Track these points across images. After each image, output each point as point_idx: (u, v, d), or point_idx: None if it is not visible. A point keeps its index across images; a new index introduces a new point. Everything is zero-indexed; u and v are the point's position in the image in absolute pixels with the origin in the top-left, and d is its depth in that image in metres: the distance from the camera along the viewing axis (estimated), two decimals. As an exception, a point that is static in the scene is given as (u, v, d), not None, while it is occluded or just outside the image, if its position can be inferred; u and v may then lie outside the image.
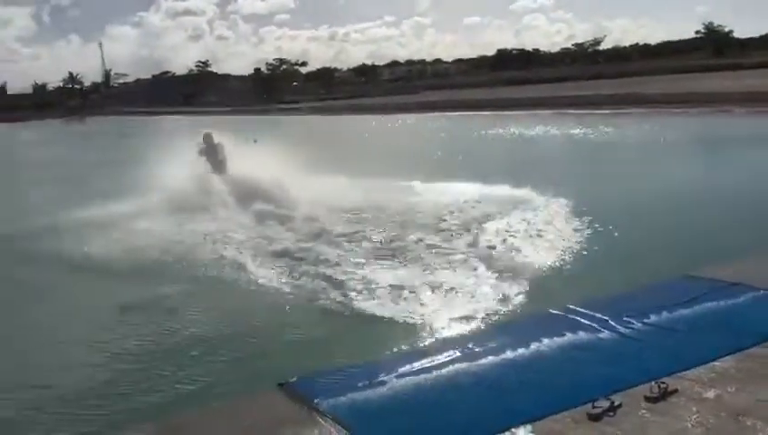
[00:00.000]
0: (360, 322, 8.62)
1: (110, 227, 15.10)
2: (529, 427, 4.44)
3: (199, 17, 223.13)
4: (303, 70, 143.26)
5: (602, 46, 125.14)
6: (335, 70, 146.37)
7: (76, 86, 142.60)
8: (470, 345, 5.87)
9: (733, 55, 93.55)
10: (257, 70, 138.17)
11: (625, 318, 6.07)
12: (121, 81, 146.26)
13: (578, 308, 6.44)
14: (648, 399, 4.59)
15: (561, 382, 5.06)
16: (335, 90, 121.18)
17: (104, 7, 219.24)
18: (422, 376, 5.32)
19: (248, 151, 20.94)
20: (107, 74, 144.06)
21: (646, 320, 6.03)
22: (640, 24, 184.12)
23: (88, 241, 13.82)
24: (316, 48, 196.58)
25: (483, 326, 7.84)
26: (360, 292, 9.58)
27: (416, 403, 4.93)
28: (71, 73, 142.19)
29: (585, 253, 11.12)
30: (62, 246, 13.51)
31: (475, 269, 10.46)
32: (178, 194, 17.17)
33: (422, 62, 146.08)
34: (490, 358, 5.55)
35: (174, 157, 19.74)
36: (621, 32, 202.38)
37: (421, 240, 12.42)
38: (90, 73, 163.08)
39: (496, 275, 10.04)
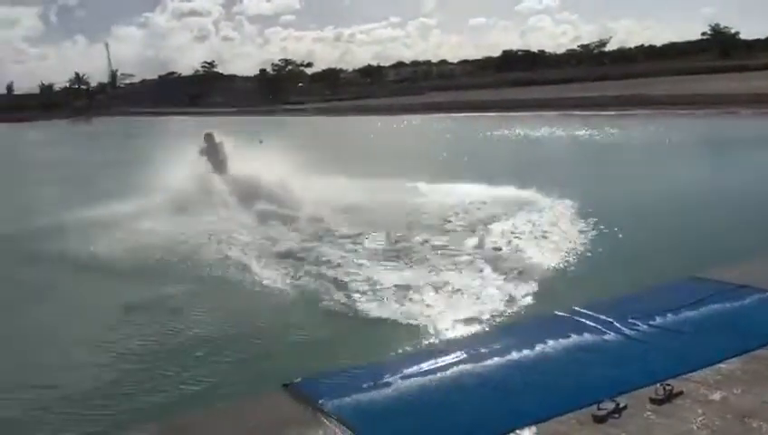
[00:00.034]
0: (365, 323, 8.61)
1: (112, 227, 15.12)
2: (534, 428, 4.43)
3: (205, 18, 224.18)
4: (309, 71, 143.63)
5: (608, 48, 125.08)
6: (340, 71, 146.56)
7: (82, 86, 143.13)
8: (475, 346, 5.86)
9: (739, 57, 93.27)
10: (263, 71, 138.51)
11: (630, 320, 6.05)
12: (127, 81, 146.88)
13: (583, 310, 6.43)
14: (653, 401, 4.57)
15: (566, 384, 5.05)
16: (340, 91, 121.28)
17: (110, 8, 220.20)
18: (427, 377, 5.32)
19: (253, 152, 20.99)
20: (113, 75, 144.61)
21: (651, 322, 6.01)
22: (646, 26, 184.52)
23: (91, 240, 13.85)
24: (321, 49, 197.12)
25: (488, 328, 7.83)
26: (364, 293, 9.57)
27: (420, 404, 4.92)
28: (77, 74, 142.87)
29: (591, 254, 11.09)
30: (66, 246, 13.53)
31: (481, 270, 10.44)
32: (179, 194, 17.23)
33: (427, 63, 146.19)
34: (495, 359, 5.54)
35: (177, 157, 19.80)
36: (626, 33, 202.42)
37: (427, 241, 12.41)
38: (96, 74, 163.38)
39: (502, 276, 10.03)
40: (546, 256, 10.93)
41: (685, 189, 17.46)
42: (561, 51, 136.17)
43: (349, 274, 10.60)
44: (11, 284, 11.95)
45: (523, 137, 37.96)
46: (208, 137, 19.58)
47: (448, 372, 5.38)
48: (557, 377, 5.19)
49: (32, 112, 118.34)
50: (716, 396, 4.61)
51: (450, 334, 7.75)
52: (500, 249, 11.56)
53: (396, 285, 9.79)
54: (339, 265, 11.18)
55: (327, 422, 4.69)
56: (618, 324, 5.99)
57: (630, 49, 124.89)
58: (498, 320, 8.24)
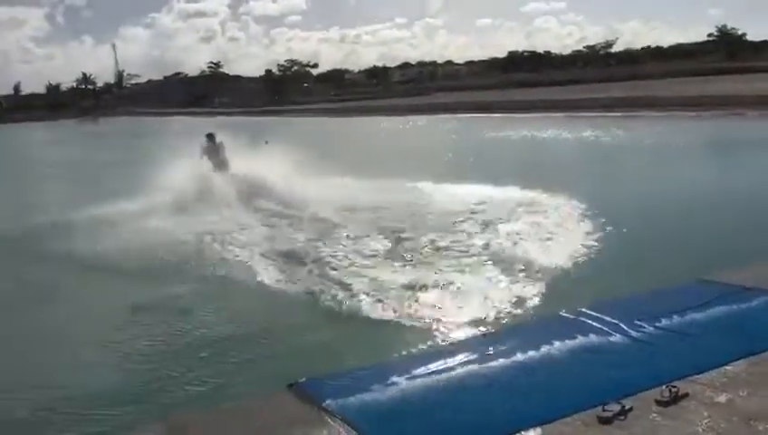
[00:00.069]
0: (370, 323, 8.61)
1: (117, 226, 15.20)
2: (539, 430, 4.42)
3: (211, 18, 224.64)
4: (314, 71, 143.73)
5: (614, 49, 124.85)
6: (346, 71, 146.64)
7: (89, 87, 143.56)
8: (480, 348, 5.84)
9: (746, 58, 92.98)
10: (268, 71, 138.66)
11: (636, 322, 6.03)
12: (134, 81, 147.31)
13: (589, 311, 6.41)
14: (659, 403, 4.56)
15: (571, 385, 5.04)
16: (346, 91, 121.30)
17: (117, 8, 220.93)
18: (432, 378, 5.31)
19: (259, 152, 21.09)
20: (119, 75, 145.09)
21: (657, 324, 5.99)
22: (652, 27, 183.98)
23: (97, 239, 13.91)
24: (327, 49, 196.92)
25: (493, 329, 7.82)
26: (369, 293, 9.57)
27: (425, 405, 4.92)
28: (84, 74, 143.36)
29: (597, 256, 11.07)
30: (72, 245, 13.60)
31: (486, 271, 10.45)
32: (182, 194, 17.36)
33: (433, 63, 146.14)
34: (500, 360, 5.53)
35: (180, 157, 19.99)
36: (633, 34, 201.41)
37: (432, 242, 12.41)
38: (103, 74, 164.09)
39: (507, 277, 10.03)
40: (552, 258, 10.90)
41: (692, 191, 17.42)
42: (567, 52, 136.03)
43: (353, 274, 10.61)
44: (18, 283, 12.01)
45: (529, 138, 37.90)
46: (209, 137, 19.91)
47: (453, 373, 5.37)
48: (562, 378, 5.18)
49: (39, 112, 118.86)
50: (722, 398, 4.60)
51: (455, 335, 7.75)
52: (506, 250, 11.54)
53: (401, 286, 9.80)
54: (343, 265, 11.20)
55: (332, 423, 4.69)
56: (624, 326, 5.97)
57: (637, 50, 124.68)
58: (504, 321, 8.25)
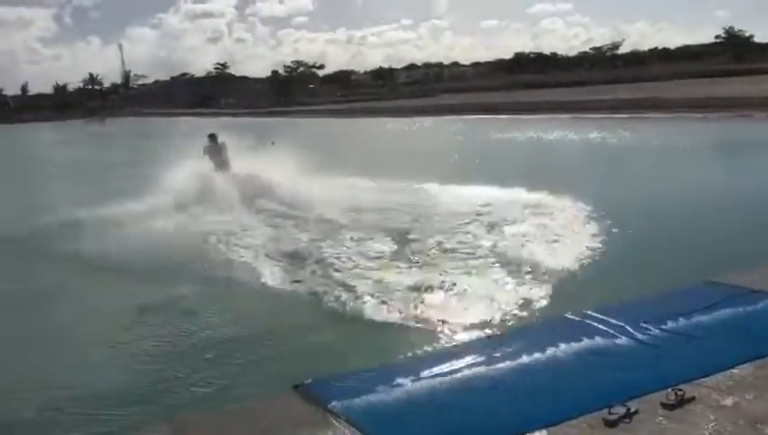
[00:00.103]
0: (375, 325, 8.62)
1: (122, 226, 15.23)
2: (544, 432, 4.41)
3: (218, 19, 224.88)
4: (321, 72, 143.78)
5: (621, 50, 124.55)
6: (352, 72, 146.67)
7: (96, 87, 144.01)
8: (486, 349, 5.83)
9: (753, 60, 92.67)
10: (275, 72, 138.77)
11: (642, 324, 6.01)
12: (140, 82, 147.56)
13: (595, 314, 6.39)
14: (664, 406, 4.55)
15: (576, 388, 5.03)
16: (352, 92, 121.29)
17: (124, 9, 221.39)
18: (437, 380, 5.31)
19: (266, 152, 21.16)
20: (126, 76, 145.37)
21: (663, 326, 5.97)
22: (659, 29, 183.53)
23: (103, 240, 13.95)
24: (333, 51, 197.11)
25: (499, 331, 7.81)
26: (374, 295, 9.57)
27: (431, 407, 4.91)
28: (91, 74, 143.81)
29: (603, 258, 11.05)
30: (78, 245, 13.65)
31: (492, 273, 10.44)
32: (186, 194, 17.45)
33: (439, 65, 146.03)
34: (506, 362, 5.52)
35: (187, 158, 20.11)
36: (639, 36, 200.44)
37: (438, 243, 12.41)
38: (110, 75, 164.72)
39: (513, 279, 10.02)
40: (558, 260, 10.89)
41: (699, 193, 17.37)
42: (573, 53, 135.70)
43: (358, 275, 10.61)
44: (26, 283, 12.05)
45: (535, 139, 37.86)
46: (211, 137, 20.16)
47: (459, 375, 5.37)
48: (568, 381, 5.17)
49: (47, 113, 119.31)
50: (728, 402, 4.58)
51: (461, 337, 7.75)
52: (512, 252, 11.53)
53: (407, 288, 9.79)
54: (348, 266, 11.20)
55: (337, 424, 4.69)
56: (630, 328, 5.95)
57: (643, 52, 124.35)
58: (509, 323, 8.24)
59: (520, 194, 16.75)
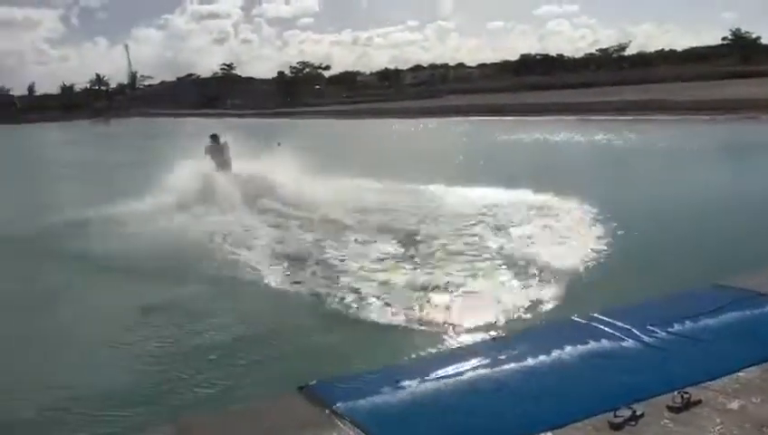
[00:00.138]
0: (380, 327, 8.61)
1: (124, 227, 15.26)
2: (549, 434, 4.40)
3: (224, 20, 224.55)
4: (326, 73, 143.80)
5: (627, 52, 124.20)
6: (358, 73, 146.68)
7: (102, 88, 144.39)
8: (491, 351, 5.82)
9: (760, 62, 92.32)
10: (281, 73, 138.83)
11: (649, 327, 5.99)
12: (146, 83, 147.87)
13: (601, 316, 6.37)
14: (670, 409, 4.53)
15: (582, 390, 5.01)
16: (358, 93, 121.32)
17: (131, 10, 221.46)
18: (442, 381, 5.29)
19: (272, 153, 21.19)
20: (133, 76, 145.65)
21: (670, 329, 5.94)
22: (665, 30, 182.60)
23: (106, 240, 13.99)
24: (339, 52, 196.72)
25: (504, 333, 7.79)
26: (379, 296, 9.57)
27: (436, 409, 4.90)
28: (97, 75, 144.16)
29: (609, 260, 11.02)
30: (82, 245, 13.73)
31: (498, 275, 10.42)
32: (192, 195, 17.51)
33: (445, 66, 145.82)
34: (511, 364, 5.51)
35: (193, 158, 20.15)
36: (646, 37, 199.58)
37: (444, 245, 12.39)
38: (116, 75, 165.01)
39: (519, 281, 10.00)
40: (564, 262, 10.85)
41: (705, 195, 17.32)
42: (579, 55, 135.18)
43: (363, 277, 10.60)
44: (32, 283, 12.08)
45: (541, 141, 37.81)
46: (213, 137, 20.33)
47: (464, 377, 5.35)
48: (573, 383, 5.15)
49: (53, 113, 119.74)
50: (735, 405, 4.56)
51: (466, 339, 7.73)
52: (517, 253, 11.50)
53: (412, 289, 9.78)
54: (353, 267, 11.19)
55: (342, 425, 4.69)
56: (636, 331, 5.93)
57: (650, 53, 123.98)
58: (515, 325, 8.21)
59: (526, 196, 16.72)
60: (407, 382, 5.27)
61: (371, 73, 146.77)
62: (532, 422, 4.56)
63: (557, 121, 47.66)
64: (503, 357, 5.65)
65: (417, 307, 9.07)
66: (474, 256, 11.60)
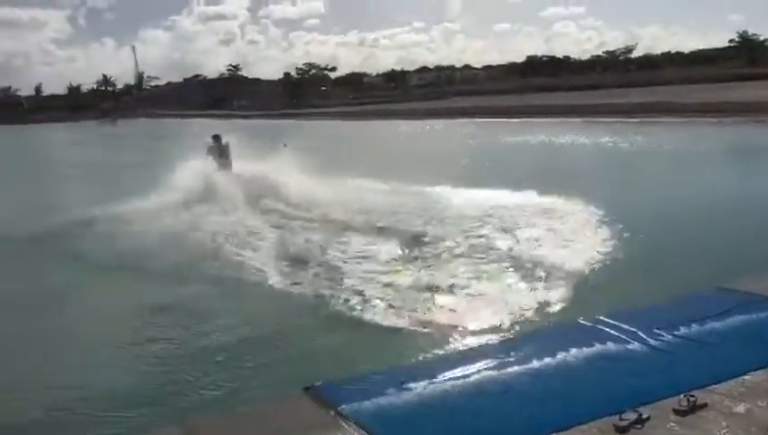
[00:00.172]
0: (386, 328, 8.60)
1: (129, 226, 15.29)
2: (555, 437, 4.41)
3: (231, 21, 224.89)
4: (333, 75, 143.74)
5: (634, 54, 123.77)
6: (364, 75, 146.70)
7: (109, 88, 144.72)
8: (497, 354, 5.83)
9: (767, 64, 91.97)
10: (287, 74, 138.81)
11: (655, 330, 5.98)
12: (153, 83, 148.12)
13: (607, 319, 6.37)
14: (676, 412, 4.52)
15: (588, 393, 5.02)
16: (364, 95, 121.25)
17: (138, 11, 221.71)
18: (448, 383, 5.30)
19: (278, 154, 21.25)
20: (139, 77, 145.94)
21: (676, 332, 5.94)
22: (672, 32, 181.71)
23: (110, 239, 14.03)
24: (345, 53, 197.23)
25: (510, 335, 7.80)
26: (384, 298, 9.56)
27: (441, 411, 4.91)
28: (104, 76, 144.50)
29: (615, 263, 10.99)
30: (87, 245, 13.79)
31: (504, 277, 10.41)
32: (197, 195, 17.57)
33: (451, 67, 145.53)
34: (517, 367, 5.51)
35: (194, 158, 20.26)
36: (652, 39, 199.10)
37: (449, 247, 12.38)
38: (123, 76, 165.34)
39: (525, 283, 9.99)
40: (570, 264, 10.83)
41: (712, 198, 17.26)
42: (586, 57, 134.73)
43: (368, 279, 10.60)
44: (39, 283, 12.12)
45: (547, 143, 37.74)
46: (215, 138, 20.57)
47: (470, 379, 5.36)
48: (579, 386, 5.15)
49: (60, 113, 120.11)
50: (741, 408, 4.55)
51: (472, 341, 7.72)
52: (523, 256, 11.49)
53: (418, 291, 9.78)
54: (358, 269, 11.19)
55: (347, 427, 4.70)
56: (642, 334, 5.93)
57: (657, 55, 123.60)
58: (521, 327, 8.21)
59: (531, 197, 16.69)
60: (412, 384, 5.28)
61: (378, 75, 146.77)
62: (539, 425, 4.57)
63: (563, 123, 47.58)
64: (509, 359, 5.66)
65: (422, 309, 9.06)
66: (480, 257, 11.59)
